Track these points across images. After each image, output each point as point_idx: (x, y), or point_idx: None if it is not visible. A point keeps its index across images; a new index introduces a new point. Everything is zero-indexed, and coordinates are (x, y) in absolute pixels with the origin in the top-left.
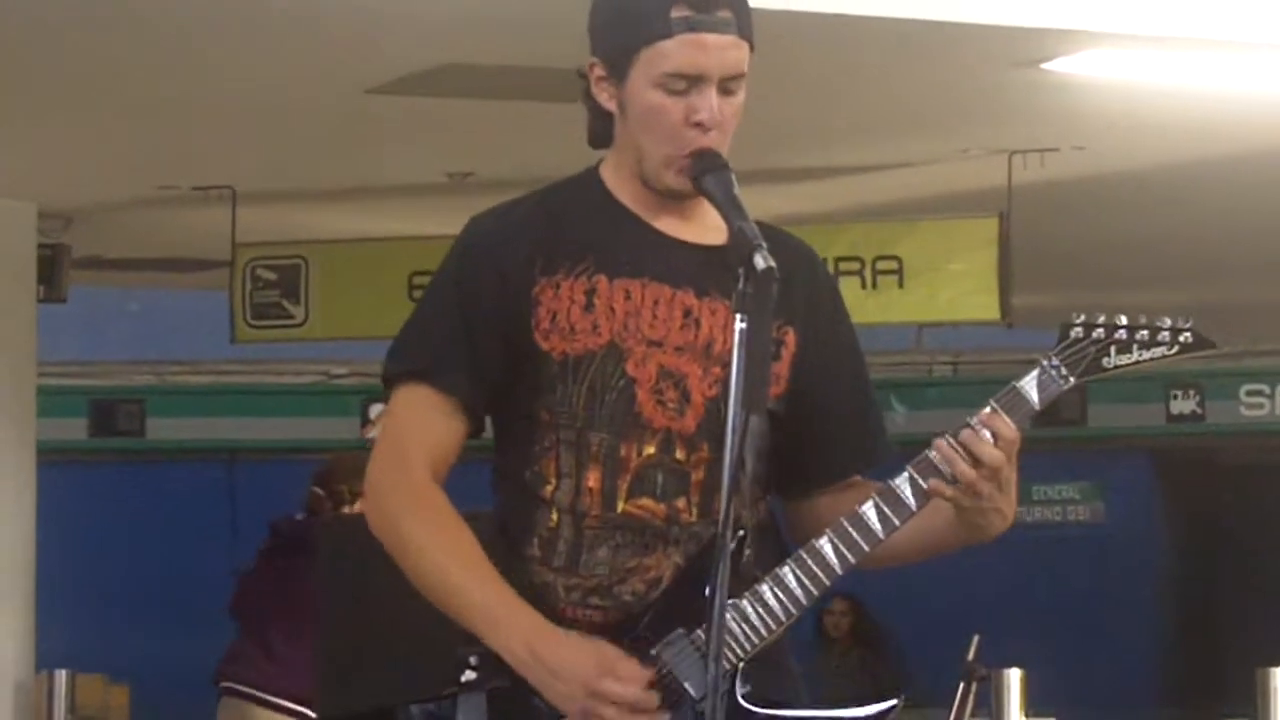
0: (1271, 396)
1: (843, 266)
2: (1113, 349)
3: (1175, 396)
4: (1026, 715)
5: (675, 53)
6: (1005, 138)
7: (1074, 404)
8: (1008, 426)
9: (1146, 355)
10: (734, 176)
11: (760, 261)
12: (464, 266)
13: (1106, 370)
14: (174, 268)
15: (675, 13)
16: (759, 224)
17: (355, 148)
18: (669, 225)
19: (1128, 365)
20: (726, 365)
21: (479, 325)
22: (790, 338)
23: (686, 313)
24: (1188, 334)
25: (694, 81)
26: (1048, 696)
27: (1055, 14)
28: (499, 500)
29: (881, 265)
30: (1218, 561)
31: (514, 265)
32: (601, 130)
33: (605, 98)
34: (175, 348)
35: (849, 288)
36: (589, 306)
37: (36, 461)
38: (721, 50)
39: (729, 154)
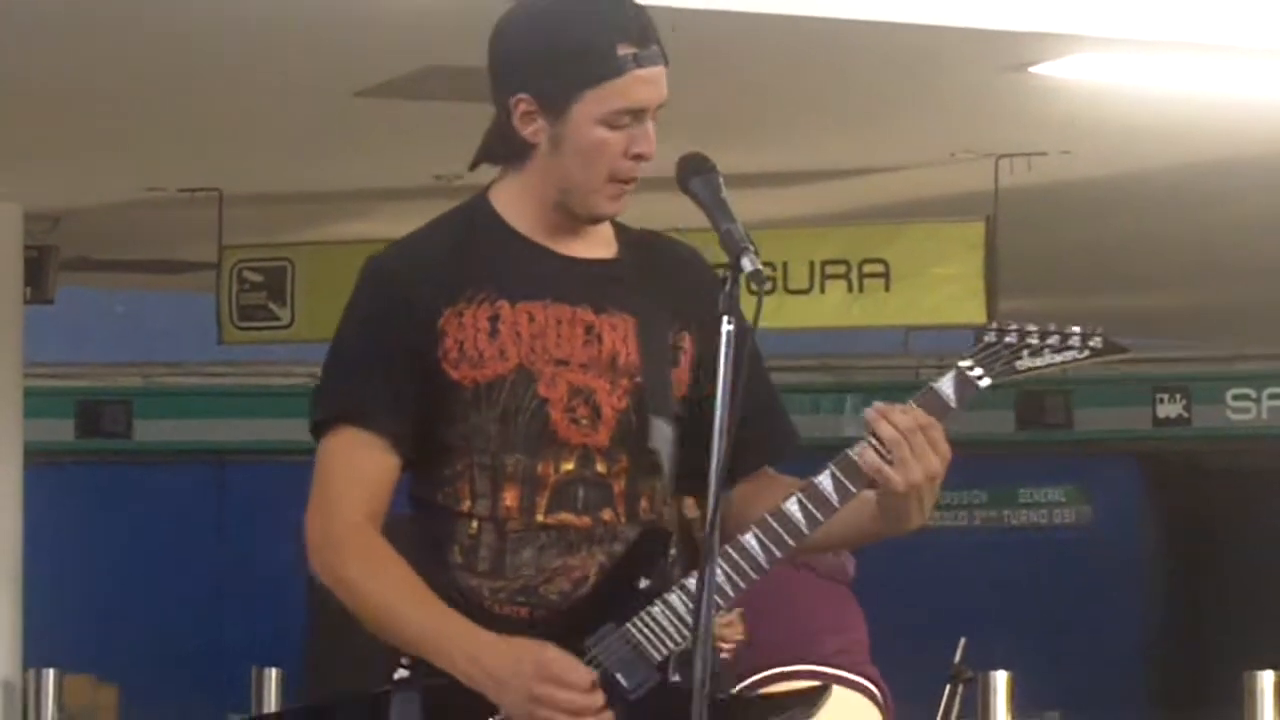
0: (1258, 400)
1: (829, 270)
2: (1025, 352)
3: (1162, 400)
4: (1013, 717)
5: (627, 90)
6: (992, 142)
7: (1060, 408)
8: (921, 414)
9: (1059, 359)
10: (721, 179)
11: (748, 264)
12: (373, 304)
13: (1020, 372)
14: (161, 269)
15: (621, 50)
16: (643, 231)
17: (342, 150)
18: (561, 245)
19: (1041, 368)
20: (633, 376)
21: (394, 360)
22: (688, 342)
23: (588, 329)
24: (1098, 339)
25: (637, 115)
26: (1034, 698)
27: (1043, 18)
28: (418, 519)
29: (868, 269)
30: (1204, 564)
31: (420, 299)
32: (501, 154)
33: (531, 131)
34: (162, 349)
35: (835, 291)
36: (494, 333)
37: (23, 463)
38: (660, 82)
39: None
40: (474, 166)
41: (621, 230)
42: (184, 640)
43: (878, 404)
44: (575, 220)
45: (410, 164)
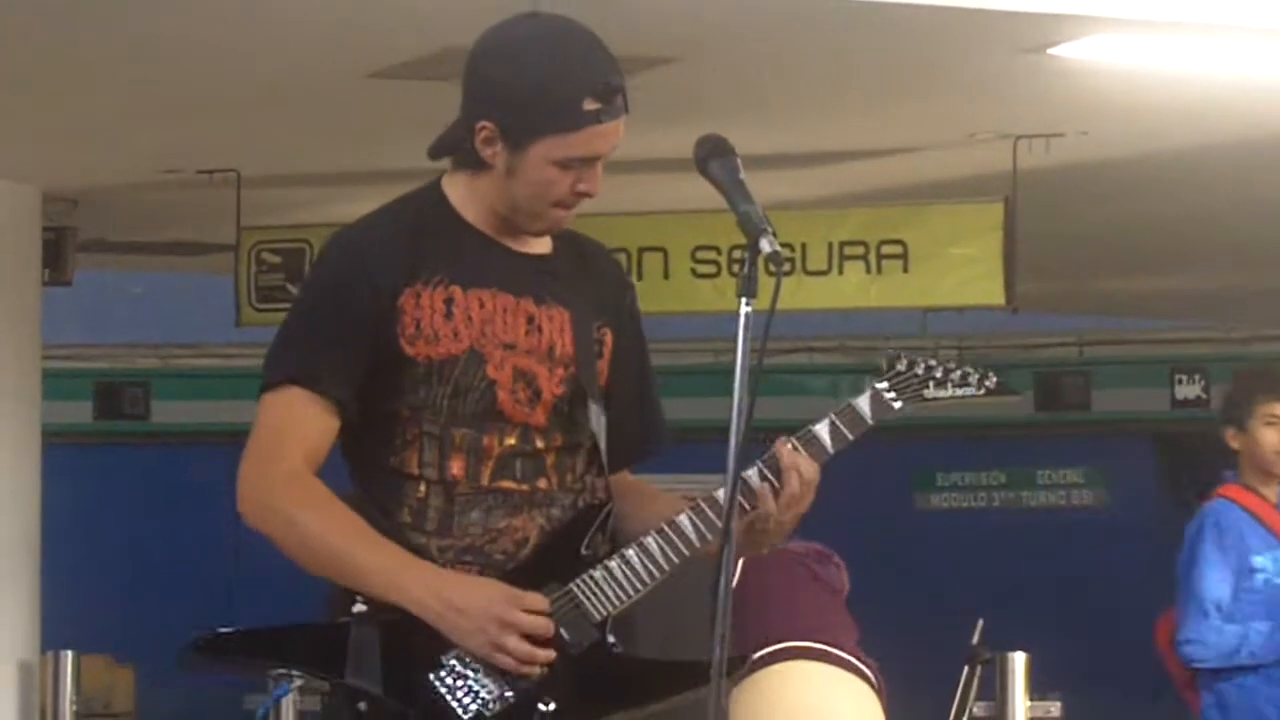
0: None
1: (848, 251)
2: (931, 383)
3: (1180, 381)
4: (1030, 698)
5: (581, 143)
6: (1011, 122)
7: (1078, 388)
8: (809, 465)
9: (960, 393)
10: (739, 161)
11: (766, 246)
12: (336, 278)
13: (927, 400)
14: (179, 251)
15: (587, 106)
16: (568, 230)
17: (359, 132)
18: (507, 239)
19: (944, 399)
20: (568, 366)
21: (351, 331)
22: (608, 337)
23: (530, 319)
24: (991, 380)
25: (589, 161)
26: (1051, 680)
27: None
28: (360, 482)
29: (886, 250)
30: None
31: (382, 277)
32: (460, 159)
33: (490, 154)
34: (180, 331)
35: (854, 272)
36: (449, 315)
37: (42, 444)
38: (616, 134)
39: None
40: (435, 157)
41: None
42: (202, 621)
43: (793, 449)
44: (518, 229)
45: (427, 146)
